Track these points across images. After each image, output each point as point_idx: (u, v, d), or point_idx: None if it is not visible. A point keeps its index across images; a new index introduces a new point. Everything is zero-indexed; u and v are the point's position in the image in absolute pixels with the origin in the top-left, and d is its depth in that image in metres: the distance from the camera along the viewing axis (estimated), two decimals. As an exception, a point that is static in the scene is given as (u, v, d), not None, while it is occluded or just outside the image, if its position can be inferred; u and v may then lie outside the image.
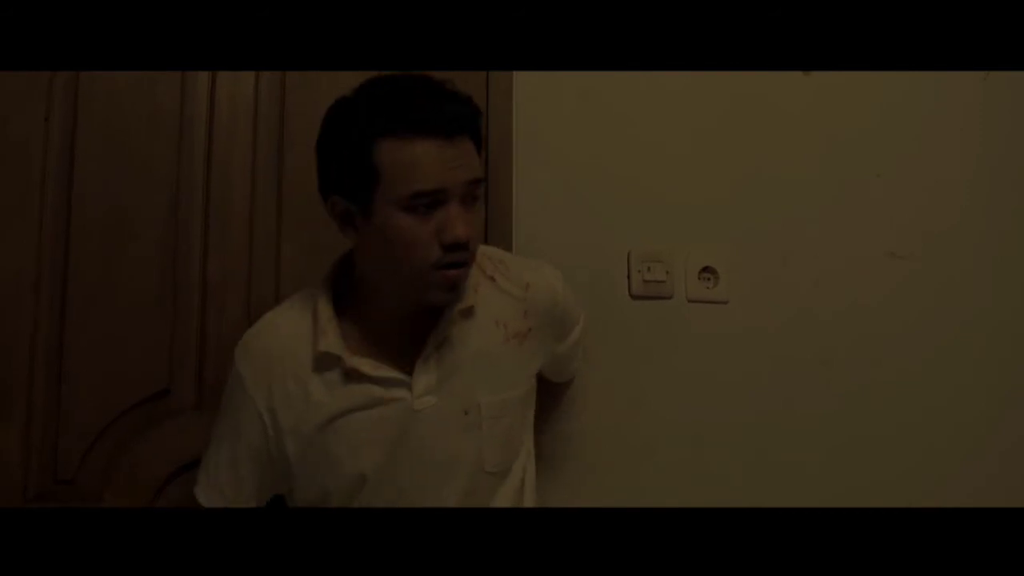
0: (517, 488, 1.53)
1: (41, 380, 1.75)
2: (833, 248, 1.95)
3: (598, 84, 1.92)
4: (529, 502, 1.56)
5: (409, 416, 1.44)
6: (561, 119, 1.92)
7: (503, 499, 1.51)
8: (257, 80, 1.87)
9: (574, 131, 1.92)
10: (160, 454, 1.75)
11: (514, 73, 1.92)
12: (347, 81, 1.85)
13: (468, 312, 1.46)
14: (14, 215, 1.76)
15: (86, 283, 1.77)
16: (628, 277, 1.86)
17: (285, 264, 1.83)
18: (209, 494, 1.51)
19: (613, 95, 1.93)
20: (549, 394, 1.77)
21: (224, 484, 1.50)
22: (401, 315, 1.44)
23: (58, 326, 1.76)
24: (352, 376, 1.42)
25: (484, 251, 1.52)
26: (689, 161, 1.92)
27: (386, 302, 1.44)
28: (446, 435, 1.45)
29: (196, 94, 1.85)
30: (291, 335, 1.45)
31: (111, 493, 1.73)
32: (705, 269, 1.89)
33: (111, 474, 1.74)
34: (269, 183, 1.85)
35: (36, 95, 1.79)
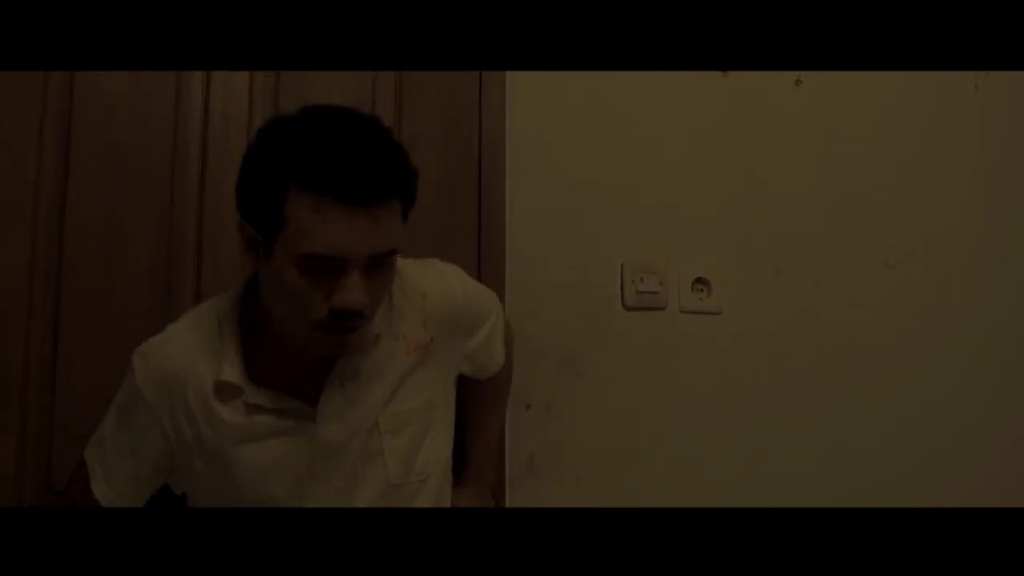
0: (433, 501, 1.50)
1: (35, 389, 1.74)
2: (825, 258, 1.96)
3: (592, 95, 1.93)
4: None
5: (314, 445, 1.41)
6: (555, 129, 1.92)
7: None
8: (251, 87, 1.87)
9: (567, 142, 1.92)
10: (154, 464, 1.75)
11: (507, 77, 1.92)
12: (340, 91, 1.87)
13: (375, 340, 1.41)
14: (8, 221, 1.76)
15: (80, 291, 1.77)
16: (621, 288, 1.87)
17: (279, 273, 1.83)
18: (107, 493, 1.45)
19: (607, 106, 1.93)
20: (540, 403, 1.77)
21: (122, 484, 1.46)
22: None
23: (52, 335, 1.75)
24: (253, 408, 1.39)
25: None
26: (682, 172, 1.92)
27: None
28: (352, 458, 1.43)
29: (190, 101, 1.84)
30: (195, 353, 1.39)
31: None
32: (698, 280, 1.89)
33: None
34: (263, 192, 1.85)
35: (31, 100, 1.78)
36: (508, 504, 1.73)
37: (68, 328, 1.76)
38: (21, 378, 1.74)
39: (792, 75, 1.99)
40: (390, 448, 1.44)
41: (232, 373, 1.36)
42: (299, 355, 1.38)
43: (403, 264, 1.44)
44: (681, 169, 1.92)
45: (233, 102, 1.86)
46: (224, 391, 1.38)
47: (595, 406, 1.85)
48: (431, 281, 1.50)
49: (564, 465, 1.84)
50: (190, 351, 1.39)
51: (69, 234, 1.77)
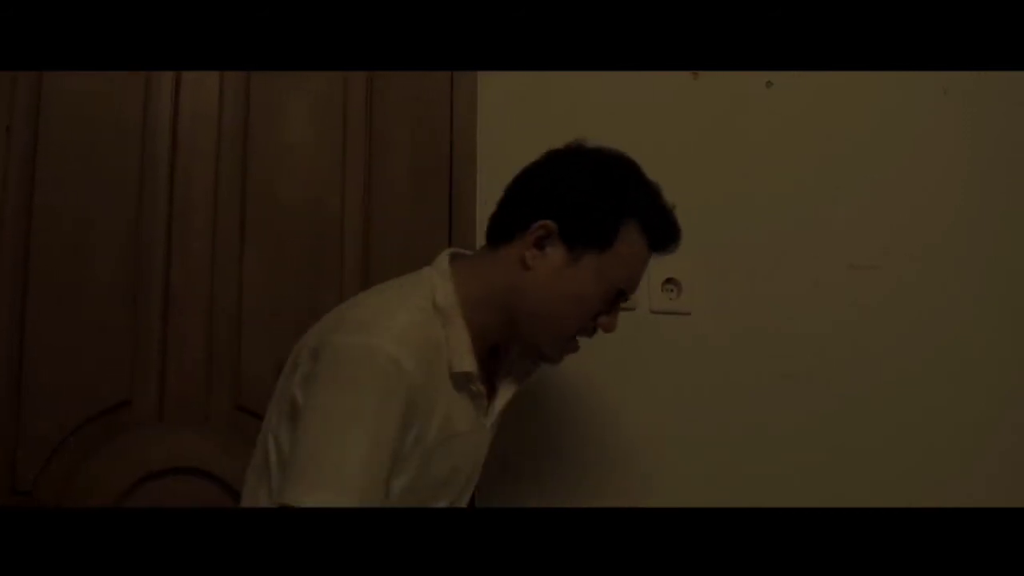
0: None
1: (1, 389, 1.73)
2: (795, 259, 1.96)
3: (563, 95, 1.93)
4: None
5: (483, 433, 1.47)
6: (526, 130, 1.91)
7: None
8: (221, 89, 1.87)
9: (538, 143, 1.90)
10: (120, 466, 1.74)
11: (478, 77, 1.93)
12: (312, 91, 1.87)
13: None
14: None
15: (47, 292, 1.76)
16: (591, 288, 1.87)
17: (247, 274, 1.83)
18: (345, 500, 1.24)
19: (578, 107, 1.94)
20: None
21: (362, 488, 1.25)
22: (496, 337, 1.44)
23: (18, 335, 1.75)
24: (476, 395, 1.41)
25: None
26: (651, 173, 1.91)
27: (495, 320, 1.41)
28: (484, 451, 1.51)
29: (159, 103, 1.84)
30: (438, 337, 1.36)
31: (70, 505, 1.71)
32: (668, 280, 1.90)
33: (70, 486, 1.72)
34: (232, 193, 1.84)
35: (-1, 100, 1.78)
36: (480, 504, 1.72)
37: (34, 328, 1.75)
38: (-13, 378, 1.73)
39: (763, 77, 2.00)
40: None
41: (471, 362, 1.38)
42: (483, 345, 1.42)
43: None
44: (651, 170, 1.91)
45: (203, 101, 1.86)
46: (461, 379, 1.38)
47: (566, 406, 1.85)
48: None
49: (536, 466, 1.83)
50: (434, 333, 1.36)
51: (36, 234, 1.77)
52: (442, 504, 1.41)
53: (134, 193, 1.81)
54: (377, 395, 1.26)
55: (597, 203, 1.39)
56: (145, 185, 1.82)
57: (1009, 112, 2.09)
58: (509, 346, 1.49)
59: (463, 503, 1.48)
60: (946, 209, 2.04)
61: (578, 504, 1.82)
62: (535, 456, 1.84)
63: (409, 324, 1.31)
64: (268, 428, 1.38)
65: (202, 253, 1.83)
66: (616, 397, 1.88)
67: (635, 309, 1.87)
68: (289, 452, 1.29)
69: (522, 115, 1.93)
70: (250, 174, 1.85)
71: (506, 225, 1.43)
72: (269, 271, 1.83)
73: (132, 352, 1.77)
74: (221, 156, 1.85)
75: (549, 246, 1.38)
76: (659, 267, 1.88)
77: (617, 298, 1.43)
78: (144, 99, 1.84)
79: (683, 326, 1.90)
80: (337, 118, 1.89)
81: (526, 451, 1.82)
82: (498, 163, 1.89)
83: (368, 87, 1.91)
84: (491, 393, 1.46)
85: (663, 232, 1.43)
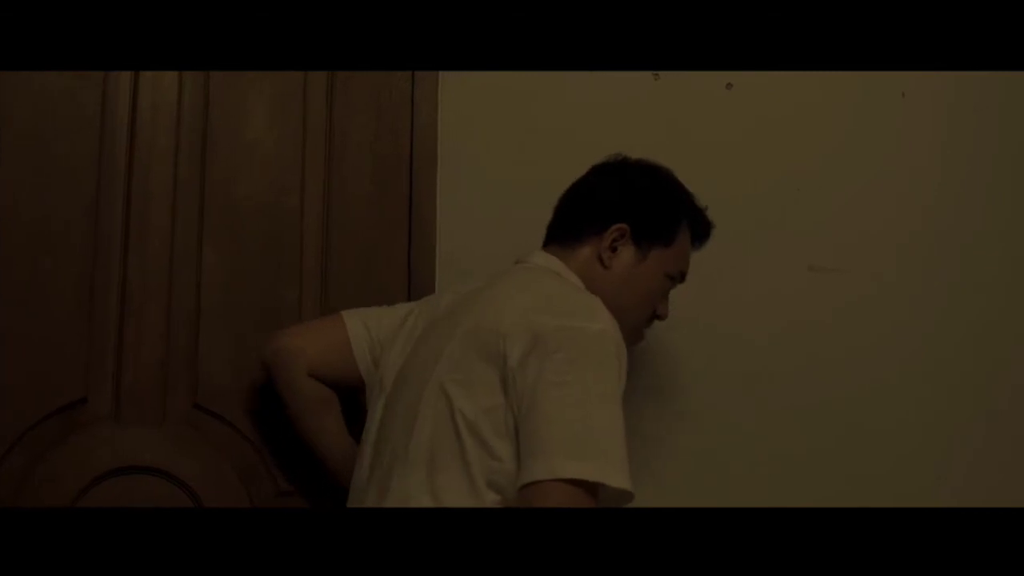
0: None
1: (-43, 388, 1.72)
2: (754, 261, 1.98)
3: (525, 96, 1.94)
4: None
5: None
6: (486, 130, 1.93)
7: None
8: (180, 87, 1.86)
9: (499, 143, 1.93)
10: (76, 465, 1.72)
11: (439, 77, 1.93)
12: (272, 87, 1.86)
13: None
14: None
15: (2, 288, 1.74)
16: (550, 289, 1.87)
17: (206, 272, 1.82)
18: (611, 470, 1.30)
19: (539, 107, 1.95)
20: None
21: (622, 458, 1.32)
22: None
23: (-26, 332, 1.73)
24: None
25: None
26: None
27: None
28: None
29: (118, 100, 1.83)
30: None
31: (24, 505, 1.69)
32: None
33: (25, 485, 1.70)
34: (191, 190, 1.84)
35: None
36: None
37: (-10, 325, 1.73)
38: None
39: (723, 79, 2.01)
40: None
41: None
42: None
43: None
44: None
45: (162, 97, 1.85)
46: None
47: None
48: None
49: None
50: None
51: (-8, 230, 1.75)
52: None
53: (91, 189, 1.80)
54: (619, 376, 1.36)
55: (662, 207, 1.61)
56: (103, 181, 1.81)
57: (967, 114, 2.12)
58: None
59: None
60: (907, 211, 2.05)
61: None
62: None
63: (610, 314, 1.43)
64: (442, 410, 1.38)
65: (160, 250, 1.82)
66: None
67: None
68: (532, 428, 1.30)
69: (483, 115, 1.94)
70: (209, 171, 1.84)
71: (577, 228, 1.59)
72: (228, 269, 1.83)
73: (88, 349, 1.76)
74: (180, 153, 1.84)
75: (621, 246, 1.57)
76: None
77: (668, 289, 1.65)
78: (102, 94, 1.83)
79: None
80: (297, 116, 1.89)
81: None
82: (459, 162, 1.91)
83: (329, 85, 1.90)
84: None
85: (704, 229, 1.68)
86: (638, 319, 1.62)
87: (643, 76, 1.99)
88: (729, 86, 2.01)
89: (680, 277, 1.66)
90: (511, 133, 1.94)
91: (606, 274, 1.56)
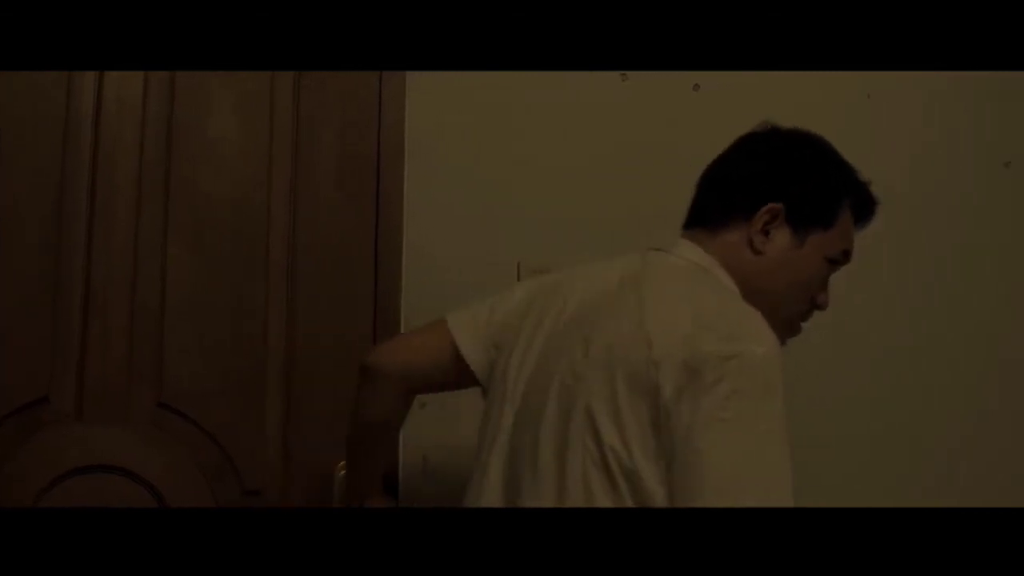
0: None
1: (-87, 386, 1.70)
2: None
3: (491, 95, 1.93)
4: None
5: None
6: (453, 130, 1.92)
7: None
8: (146, 82, 1.84)
9: (466, 143, 1.92)
10: (37, 464, 1.71)
11: (406, 77, 1.92)
12: (239, 84, 1.85)
13: None
14: None
15: (-37, 285, 1.73)
16: (518, 288, 1.88)
17: (171, 269, 1.81)
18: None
19: (506, 107, 1.94)
20: (435, 402, 1.77)
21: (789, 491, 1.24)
22: None
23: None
24: None
25: None
26: (580, 174, 1.93)
27: None
28: None
29: (83, 95, 1.82)
30: None
31: (-15, 504, 1.68)
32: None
33: (-14, 484, 1.69)
34: (156, 185, 1.83)
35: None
36: (401, 504, 1.73)
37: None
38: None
39: (690, 80, 2.02)
40: None
41: None
42: None
43: None
44: (579, 171, 1.94)
45: (127, 93, 1.84)
46: None
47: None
48: None
49: (459, 466, 1.84)
50: None
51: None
52: None
53: (55, 184, 1.79)
54: (783, 400, 1.23)
55: (822, 183, 1.41)
56: (67, 176, 1.79)
57: (933, 115, 2.13)
58: None
59: None
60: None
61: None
62: (457, 457, 1.84)
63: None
64: (590, 446, 1.24)
65: (124, 247, 1.80)
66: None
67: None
68: (685, 471, 1.19)
69: (450, 113, 1.93)
70: (174, 168, 1.83)
71: (723, 209, 1.40)
72: (193, 266, 1.82)
73: (50, 347, 1.75)
74: (145, 149, 1.83)
75: (774, 229, 1.37)
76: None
77: (829, 274, 1.45)
78: (67, 89, 1.81)
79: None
80: (264, 113, 1.88)
81: (447, 452, 1.83)
82: (425, 160, 1.91)
83: (296, 83, 1.89)
84: None
85: (869, 207, 1.46)
86: (795, 311, 1.43)
87: (611, 76, 1.99)
88: (696, 87, 2.02)
89: (844, 257, 1.44)
90: (478, 132, 1.93)
91: (758, 260, 1.37)
